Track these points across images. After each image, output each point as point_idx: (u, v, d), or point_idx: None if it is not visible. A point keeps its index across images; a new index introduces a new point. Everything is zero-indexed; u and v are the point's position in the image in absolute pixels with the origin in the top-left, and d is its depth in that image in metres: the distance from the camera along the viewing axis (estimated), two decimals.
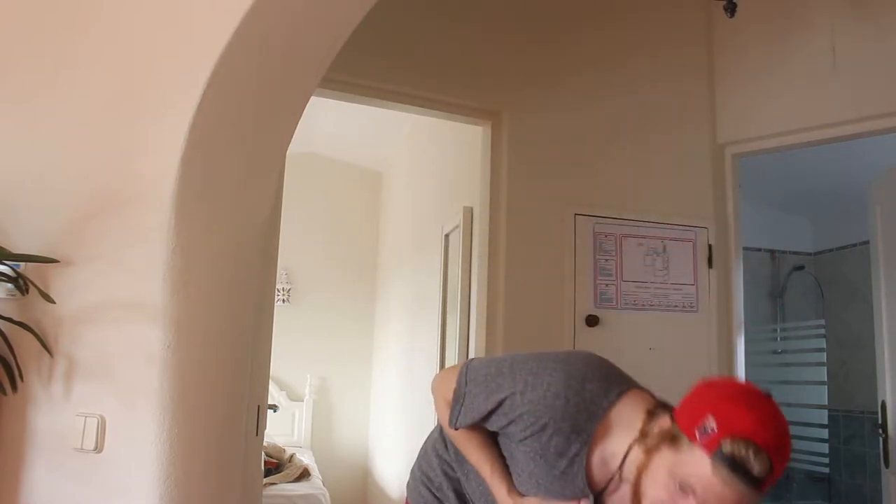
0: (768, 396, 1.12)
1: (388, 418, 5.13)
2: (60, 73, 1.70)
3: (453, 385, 1.34)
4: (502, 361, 1.32)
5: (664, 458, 1.12)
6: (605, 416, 1.22)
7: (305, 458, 4.82)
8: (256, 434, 2.15)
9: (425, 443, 1.55)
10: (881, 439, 2.81)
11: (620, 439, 1.20)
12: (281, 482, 4.22)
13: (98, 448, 1.57)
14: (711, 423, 1.07)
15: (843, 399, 4.76)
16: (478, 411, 1.29)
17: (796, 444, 4.94)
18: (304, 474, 4.42)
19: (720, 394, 1.14)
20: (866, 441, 4.55)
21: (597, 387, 1.24)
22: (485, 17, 2.89)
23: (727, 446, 1.04)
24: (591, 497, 1.24)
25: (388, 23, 2.60)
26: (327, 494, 4.28)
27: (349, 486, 5.54)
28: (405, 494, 1.58)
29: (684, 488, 1.09)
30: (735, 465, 1.03)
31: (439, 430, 1.50)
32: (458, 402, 1.32)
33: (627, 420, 1.21)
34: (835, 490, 4.86)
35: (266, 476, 4.06)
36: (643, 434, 1.18)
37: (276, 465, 4.47)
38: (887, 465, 2.79)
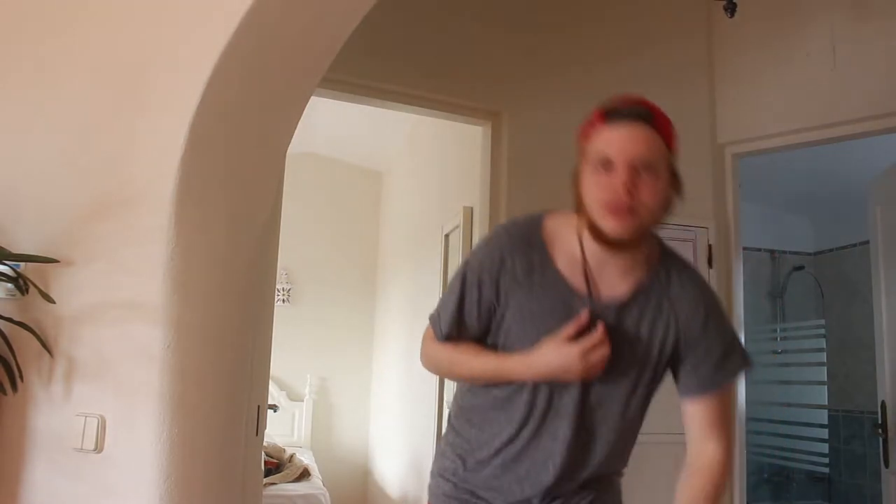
0: None
1: (389, 418, 5.13)
2: (60, 74, 1.71)
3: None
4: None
5: (586, 176, 1.29)
6: (544, 226, 1.37)
7: (305, 458, 4.82)
8: (256, 434, 2.15)
9: (440, 446, 1.53)
10: (881, 439, 2.81)
11: (569, 235, 1.34)
12: (281, 482, 4.21)
13: (98, 448, 1.57)
14: (591, 120, 1.30)
15: (843, 399, 4.76)
16: (453, 303, 1.37)
17: (796, 444, 4.95)
18: (304, 474, 4.42)
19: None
20: (866, 441, 4.55)
21: (523, 218, 1.41)
22: (485, 17, 2.89)
23: (605, 105, 1.28)
24: (586, 299, 1.32)
25: (388, 23, 2.60)
26: (327, 494, 4.28)
27: (349, 486, 5.54)
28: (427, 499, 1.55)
29: (602, 164, 1.25)
30: (614, 110, 1.27)
31: (449, 425, 1.50)
32: (436, 316, 1.42)
33: (565, 220, 1.35)
34: (835, 490, 4.86)
35: (266, 476, 4.06)
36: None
37: (276, 465, 4.47)
38: (887, 465, 2.79)
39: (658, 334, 1.34)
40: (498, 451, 1.37)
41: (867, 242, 3.13)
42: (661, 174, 1.27)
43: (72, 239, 1.63)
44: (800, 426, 4.69)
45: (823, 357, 4.66)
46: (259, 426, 2.17)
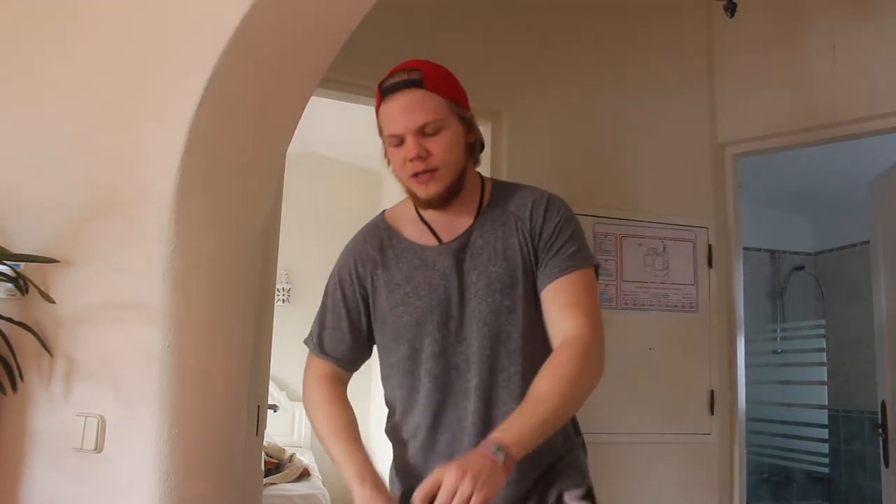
0: None
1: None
2: (61, 74, 1.71)
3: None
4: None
5: (389, 153, 1.42)
6: (385, 215, 1.53)
7: (305, 458, 4.82)
8: (256, 434, 2.15)
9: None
10: (881, 439, 2.81)
11: (408, 209, 1.47)
12: (281, 482, 4.21)
13: (98, 448, 1.57)
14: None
15: (843, 399, 4.76)
16: (320, 315, 1.50)
17: (796, 444, 4.95)
18: (304, 474, 4.42)
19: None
20: (866, 441, 4.55)
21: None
22: (485, 17, 2.89)
23: (381, 81, 1.39)
24: (437, 246, 1.42)
25: (388, 23, 2.59)
26: (327, 494, 4.28)
27: (349, 486, 5.53)
28: None
29: (393, 141, 1.37)
30: (386, 84, 1.38)
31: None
32: (311, 335, 1.52)
33: (403, 203, 1.50)
34: (835, 490, 4.87)
35: (266, 476, 4.06)
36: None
37: (276, 465, 4.47)
38: (887, 465, 2.79)
39: (513, 244, 1.40)
40: (417, 428, 1.44)
41: (867, 242, 3.13)
42: (449, 126, 1.36)
43: (72, 239, 1.63)
44: (800, 426, 4.69)
45: (823, 357, 4.66)
46: (259, 426, 2.17)
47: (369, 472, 1.32)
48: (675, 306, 2.91)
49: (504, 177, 2.85)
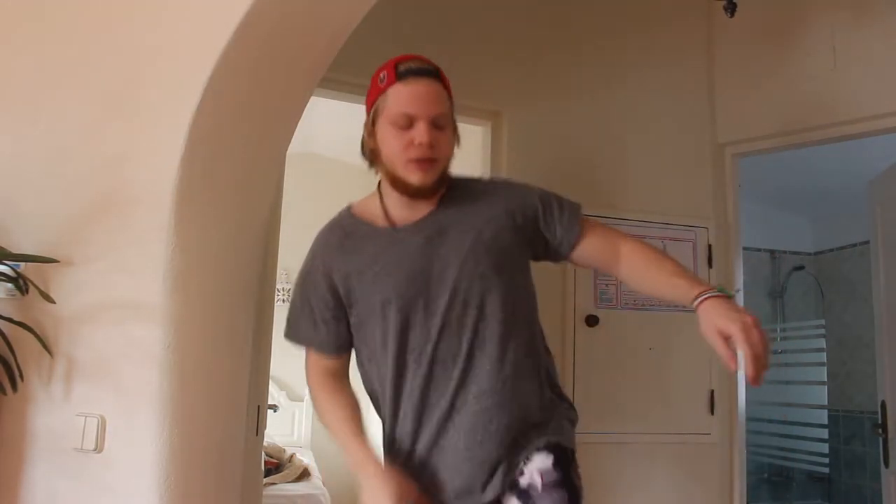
0: None
1: None
2: (60, 73, 1.71)
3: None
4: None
5: (385, 131, 1.40)
6: (350, 206, 1.59)
7: (305, 458, 4.82)
8: (256, 434, 2.15)
9: None
10: (881, 439, 2.81)
11: (373, 200, 1.53)
12: (281, 482, 4.21)
13: (98, 448, 1.57)
14: (380, 75, 1.43)
15: (843, 399, 4.76)
16: (296, 310, 1.55)
17: (796, 444, 4.95)
18: (304, 474, 4.42)
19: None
20: (866, 441, 4.55)
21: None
22: (485, 17, 2.89)
23: (396, 62, 1.40)
24: (394, 228, 1.46)
25: (388, 23, 2.59)
26: (327, 494, 4.28)
27: (349, 486, 5.53)
28: None
29: (403, 121, 1.37)
30: (406, 67, 1.38)
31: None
32: (289, 331, 1.58)
33: (368, 196, 1.55)
34: (835, 490, 4.87)
35: (266, 476, 4.05)
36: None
37: (276, 465, 4.47)
38: (887, 465, 2.79)
39: (484, 218, 1.45)
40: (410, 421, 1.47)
41: (867, 242, 3.13)
42: (450, 125, 1.43)
43: (72, 239, 1.63)
44: (800, 426, 4.69)
45: (823, 357, 4.66)
46: (259, 426, 2.17)
47: (371, 460, 1.40)
48: (676, 306, 2.90)
49: (504, 177, 2.85)
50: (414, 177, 1.39)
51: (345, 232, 1.51)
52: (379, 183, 1.54)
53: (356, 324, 1.50)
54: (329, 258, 1.49)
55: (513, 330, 1.42)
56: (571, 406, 1.54)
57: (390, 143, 1.40)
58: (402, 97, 1.38)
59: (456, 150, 1.49)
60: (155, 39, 1.67)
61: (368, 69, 2.65)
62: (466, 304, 1.40)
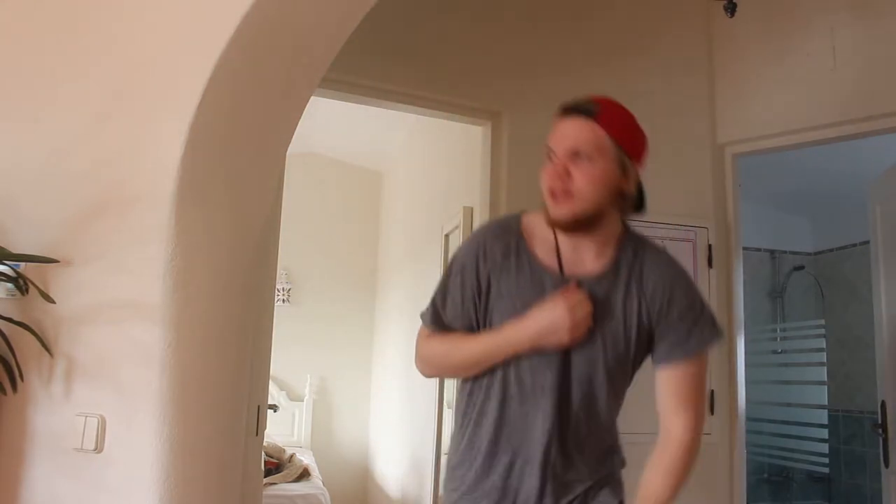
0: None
1: (389, 418, 5.13)
2: (61, 73, 1.71)
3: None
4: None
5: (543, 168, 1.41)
6: (521, 219, 1.49)
7: (305, 458, 4.82)
8: (256, 434, 2.15)
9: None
10: (881, 439, 2.81)
11: (543, 226, 1.43)
12: (281, 482, 4.22)
13: (98, 448, 1.57)
14: None
15: (843, 399, 4.76)
16: (441, 292, 1.49)
17: (796, 444, 4.95)
18: (304, 474, 4.42)
19: None
20: (866, 441, 4.55)
21: (503, 215, 1.59)
22: (485, 17, 2.89)
23: (564, 104, 1.41)
24: (558, 276, 1.42)
25: (388, 23, 2.60)
26: (327, 494, 4.28)
27: (349, 486, 5.54)
28: None
29: (548, 155, 1.40)
30: (566, 106, 1.40)
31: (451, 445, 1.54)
32: (426, 309, 1.51)
33: (541, 216, 1.44)
34: (835, 490, 4.86)
35: (266, 476, 4.06)
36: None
37: (276, 465, 4.47)
38: (887, 465, 2.79)
39: (632, 308, 1.42)
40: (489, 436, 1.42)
41: (867, 242, 3.13)
42: (599, 162, 1.38)
43: (72, 239, 1.63)
44: (800, 426, 4.68)
45: (823, 357, 4.65)
46: (259, 426, 2.17)
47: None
48: None
49: (504, 177, 2.86)
50: (550, 207, 1.39)
51: (507, 248, 1.45)
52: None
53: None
54: (484, 266, 1.45)
55: (603, 417, 1.45)
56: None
57: (543, 174, 1.42)
58: (553, 132, 1.42)
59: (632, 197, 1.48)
60: (155, 39, 1.67)
61: (368, 69, 2.68)
62: (580, 384, 1.41)
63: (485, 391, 1.43)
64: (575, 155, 1.36)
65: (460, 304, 1.45)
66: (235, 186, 1.79)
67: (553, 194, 1.37)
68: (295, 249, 5.16)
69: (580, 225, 1.39)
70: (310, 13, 1.68)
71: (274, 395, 5.28)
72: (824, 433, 4.59)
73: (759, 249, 5.08)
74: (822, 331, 4.70)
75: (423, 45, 2.80)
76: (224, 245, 1.76)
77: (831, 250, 5.07)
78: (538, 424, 1.38)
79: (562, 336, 1.34)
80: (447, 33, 2.80)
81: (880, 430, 2.82)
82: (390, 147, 5.38)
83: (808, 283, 5.14)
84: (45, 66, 1.71)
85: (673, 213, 2.95)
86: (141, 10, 1.69)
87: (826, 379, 4.64)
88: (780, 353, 5.01)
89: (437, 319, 1.48)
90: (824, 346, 4.66)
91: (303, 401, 5.55)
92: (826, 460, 4.56)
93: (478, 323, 1.45)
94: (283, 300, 5.57)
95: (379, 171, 6.03)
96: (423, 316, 1.53)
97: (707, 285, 2.96)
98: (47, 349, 1.58)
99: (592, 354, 1.40)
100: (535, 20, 2.95)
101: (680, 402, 1.43)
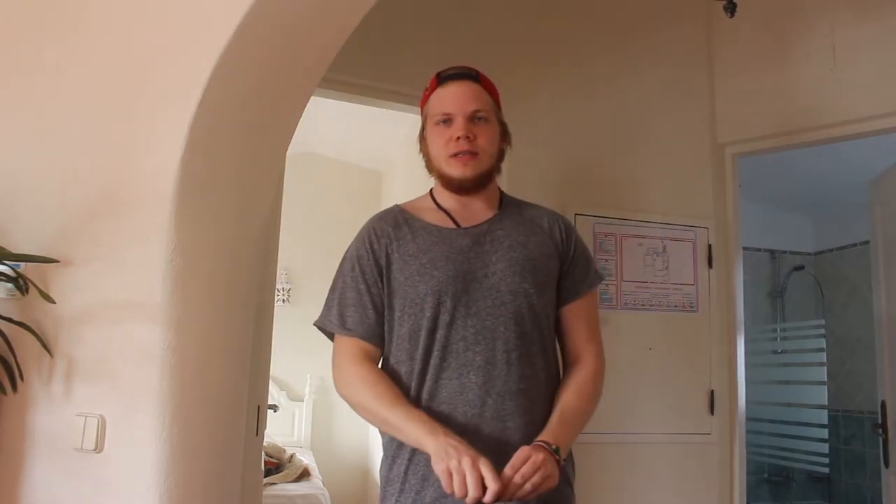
0: None
1: None
2: (60, 73, 1.70)
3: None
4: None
5: (431, 134, 1.52)
6: (401, 206, 1.60)
7: (305, 458, 4.82)
8: (256, 434, 2.15)
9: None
10: (881, 439, 2.81)
11: (425, 201, 1.58)
12: (281, 482, 4.21)
13: (98, 448, 1.57)
14: (426, 86, 1.57)
15: (843, 399, 4.76)
16: (338, 294, 1.53)
17: (796, 444, 4.95)
18: (304, 474, 4.42)
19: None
20: (866, 441, 4.55)
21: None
22: (485, 17, 2.89)
23: (439, 75, 1.56)
24: (456, 228, 1.51)
25: (388, 23, 2.60)
26: (327, 494, 4.28)
27: (349, 486, 5.53)
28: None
29: (443, 120, 1.48)
30: (445, 73, 1.55)
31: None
32: (324, 317, 1.54)
33: (418, 199, 1.60)
34: (835, 490, 4.87)
35: (266, 476, 4.06)
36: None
37: (276, 465, 4.47)
38: (887, 465, 2.79)
39: (535, 242, 1.52)
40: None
41: (867, 242, 3.14)
42: (492, 122, 1.52)
43: (72, 239, 1.63)
44: (800, 426, 4.69)
45: (823, 357, 4.66)
46: (259, 426, 2.17)
47: (440, 426, 1.35)
48: (675, 306, 2.91)
49: (505, 177, 2.84)
50: (455, 171, 1.47)
51: (396, 221, 1.55)
52: (431, 189, 1.61)
53: (390, 314, 1.50)
54: (378, 244, 1.51)
55: (537, 345, 1.48)
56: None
57: (435, 143, 1.51)
58: (441, 99, 1.51)
59: (508, 149, 1.59)
60: (155, 39, 1.67)
61: (368, 69, 2.68)
62: (506, 315, 1.44)
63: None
64: (475, 117, 1.48)
65: (367, 295, 1.48)
66: (235, 187, 1.79)
67: (459, 157, 1.46)
68: (295, 249, 5.15)
69: (480, 183, 1.51)
70: (310, 13, 1.68)
71: (274, 395, 5.28)
72: (824, 433, 4.60)
73: (759, 249, 5.08)
74: (822, 331, 4.71)
75: (423, 45, 2.79)
76: (224, 245, 1.75)
77: (831, 250, 5.07)
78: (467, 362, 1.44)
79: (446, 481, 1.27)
80: (447, 33, 2.80)
81: (880, 431, 2.82)
82: (390, 147, 5.38)
83: (808, 284, 5.14)
84: (45, 66, 1.71)
85: (673, 212, 2.95)
86: (141, 10, 1.68)
87: (826, 379, 4.65)
88: (780, 353, 5.01)
89: (342, 322, 1.49)
90: (824, 346, 4.67)
91: (303, 401, 5.54)
92: (826, 460, 4.57)
93: (382, 309, 1.49)
94: (283, 300, 5.57)
95: (379, 171, 6.03)
96: (320, 324, 1.54)
97: (707, 285, 2.96)
98: (47, 349, 1.58)
99: (507, 284, 1.48)
100: (536, 20, 2.95)
101: (590, 331, 1.56)
